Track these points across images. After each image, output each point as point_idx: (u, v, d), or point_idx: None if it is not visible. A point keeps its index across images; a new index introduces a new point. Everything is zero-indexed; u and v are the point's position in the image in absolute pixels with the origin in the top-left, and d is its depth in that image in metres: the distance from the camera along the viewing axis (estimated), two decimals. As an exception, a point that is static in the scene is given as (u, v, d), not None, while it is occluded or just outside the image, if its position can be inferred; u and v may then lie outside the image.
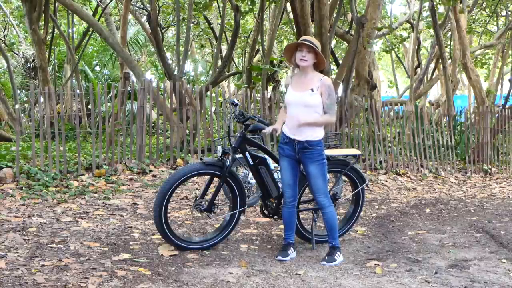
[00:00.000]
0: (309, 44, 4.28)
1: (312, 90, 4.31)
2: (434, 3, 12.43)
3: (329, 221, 4.48)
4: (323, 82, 4.33)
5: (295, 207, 4.60)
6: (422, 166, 10.15)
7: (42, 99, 7.51)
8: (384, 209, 6.97)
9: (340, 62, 12.27)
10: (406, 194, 8.31)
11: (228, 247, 4.76)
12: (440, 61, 14.19)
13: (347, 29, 13.72)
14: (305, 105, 4.30)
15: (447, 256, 4.78)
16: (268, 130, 4.57)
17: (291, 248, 4.55)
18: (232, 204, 4.74)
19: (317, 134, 4.37)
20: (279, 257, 4.44)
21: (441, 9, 15.26)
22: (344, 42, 16.82)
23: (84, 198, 6.30)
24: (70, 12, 14.22)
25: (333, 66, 14.20)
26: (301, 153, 4.37)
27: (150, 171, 7.68)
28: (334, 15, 11.25)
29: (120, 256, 4.29)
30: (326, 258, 4.45)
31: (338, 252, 4.49)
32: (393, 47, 18.94)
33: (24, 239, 4.59)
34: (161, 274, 3.93)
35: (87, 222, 5.35)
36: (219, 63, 12.76)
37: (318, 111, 4.33)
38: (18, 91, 15.32)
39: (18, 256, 4.12)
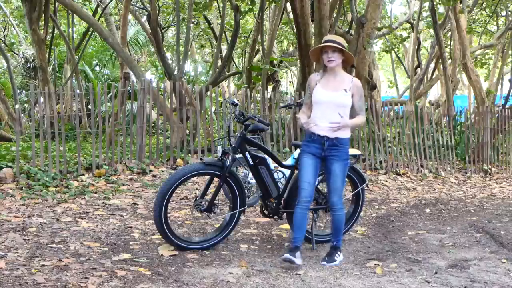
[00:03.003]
0: (332, 45, 4.25)
1: (345, 90, 4.29)
2: (434, 3, 12.43)
3: (337, 222, 4.45)
4: (355, 83, 4.35)
5: (308, 209, 4.40)
6: (422, 166, 10.15)
7: (42, 99, 7.51)
8: (384, 209, 6.97)
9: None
10: (406, 194, 8.31)
11: (228, 247, 4.76)
12: (440, 61, 14.19)
13: (347, 29, 13.72)
14: (338, 105, 4.28)
15: (447, 256, 4.78)
16: (307, 123, 4.37)
17: (298, 252, 4.31)
18: (232, 204, 4.74)
19: (347, 132, 4.37)
20: (286, 256, 4.23)
21: (441, 9, 15.26)
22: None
23: (84, 198, 6.30)
24: (70, 12, 14.23)
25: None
26: (328, 150, 4.31)
27: (150, 171, 7.68)
28: (334, 15, 11.25)
29: (120, 256, 4.29)
30: (326, 258, 4.43)
31: (338, 252, 4.47)
32: (393, 47, 18.94)
33: (24, 239, 4.59)
34: (161, 274, 3.93)
35: (87, 222, 5.35)
36: (219, 63, 12.76)
37: (347, 111, 4.33)
38: (18, 91, 15.33)
39: (18, 256, 4.12)
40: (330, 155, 4.32)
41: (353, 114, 4.38)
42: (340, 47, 4.24)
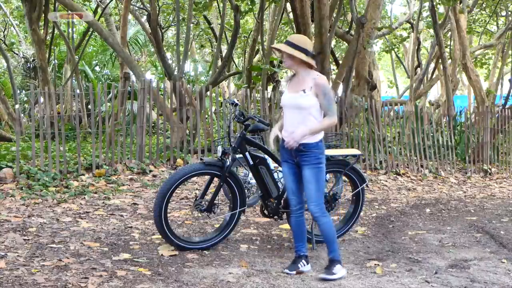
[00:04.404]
0: (273, 46, 4.13)
1: (304, 91, 3.98)
2: (434, 3, 12.42)
3: (324, 232, 4.10)
4: (317, 81, 3.97)
5: (303, 215, 4.23)
6: (422, 166, 10.15)
7: (42, 99, 7.51)
8: (384, 209, 6.97)
9: (340, 62, 12.27)
10: (406, 194, 8.31)
11: (228, 247, 4.76)
12: (440, 61, 14.19)
13: (347, 29, 13.72)
14: (297, 107, 4.00)
15: (447, 256, 4.78)
16: (272, 137, 4.29)
17: (303, 261, 4.16)
18: (232, 204, 4.74)
19: (314, 136, 4.02)
20: (286, 270, 4.11)
21: (441, 9, 15.25)
22: (344, 42, 16.81)
23: (84, 198, 6.30)
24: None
25: (333, 66, 14.20)
26: (298, 157, 4.06)
27: (150, 171, 7.68)
28: (334, 15, 11.25)
29: (120, 256, 4.30)
30: (325, 271, 4.08)
31: (338, 265, 4.05)
32: (393, 47, 18.94)
33: (24, 239, 4.59)
34: (161, 274, 3.93)
35: (87, 222, 5.35)
36: (219, 63, 12.76)
37: (313, 113, 3.99)
38: (18, 91, 15.32)
39: (18, 256, 4.12)
40: (301, 161, 4.05)
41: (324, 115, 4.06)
42: (282, 49, 3.97)
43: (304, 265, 4.16)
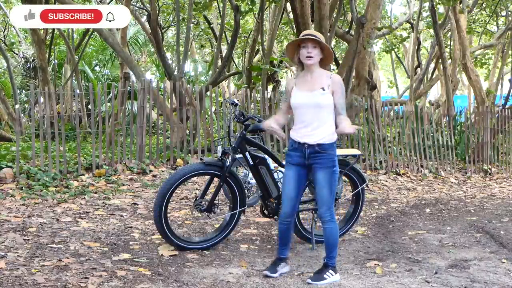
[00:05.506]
0: (314, 38, 3.83)
1: (323, 89, 3.85)
2: (434, 3, 12.43)
3: (327, 236, 3.98)
4: (334, 79, 3.88)
5: (292, 223, 4.13)
6: (422, 166, 10.15)
7: (42, 99, 7.51)
8: (384, 209, 6.97)
9: (340, 62, 12.27)
10: (406, 194, 8.31)
11: (228, 247, 4.76)
12: (440, 61, 14.19)
13: (347, 29, 13.72)
14: (316, 105, 3.84)
15: (447, 256, 4.78)
16: (267, 127, 4.13)
17: (283, 263, 4.09)
18: (232, 204, 4.74)
19: (330, 136, 3.89)
20: (266, 272, 4.01)
21: (441, 9, 15.25)
22: (344, 42, 16.81)
23: (84, 198, 6.30)
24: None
25: (333, 66, 14.18)
26: (311, 158, 3.89)
27: (150, 171, 7.68)
28: (334, 15, 11.25)
29: (120, 256, 4.30)
30: (313, 275, 3.96)
31: (330, 271, 3.95)
32: (393, 47, 18.93)
33: (24, 239, 4.59)
34: (161, 274, 3.93)
35: (87, 222, 5.35)
36: (219, 63, 12.76)
37: (330, 112, 3.88)
38: (18, 91, 15.32)
39: (18, 256, 4.12)
40: (314, 163, 3.89)
41: (335, 113, 3.93)
42: (321, 41, 3.85)
43: (283, 267, 4.08)
